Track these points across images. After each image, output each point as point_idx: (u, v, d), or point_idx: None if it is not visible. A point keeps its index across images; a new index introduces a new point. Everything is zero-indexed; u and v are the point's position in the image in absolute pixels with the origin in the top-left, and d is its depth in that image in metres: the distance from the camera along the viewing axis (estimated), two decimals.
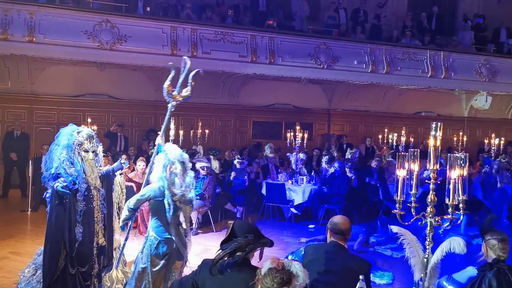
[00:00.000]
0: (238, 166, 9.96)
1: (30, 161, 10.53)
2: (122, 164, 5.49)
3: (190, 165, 4.54)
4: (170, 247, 4.21)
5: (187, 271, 3.60)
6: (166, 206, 4.26)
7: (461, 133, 14.02)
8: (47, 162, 5.11)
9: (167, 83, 5.03)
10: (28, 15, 9.84)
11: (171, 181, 4.28)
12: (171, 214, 4.22)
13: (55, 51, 10.23)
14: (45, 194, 5.07)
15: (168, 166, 4.34)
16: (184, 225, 4.35)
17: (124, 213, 4.57)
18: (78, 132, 5.07)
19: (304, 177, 10.09)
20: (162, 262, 4.19)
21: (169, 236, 4.21)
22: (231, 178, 9.78)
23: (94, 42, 10.31)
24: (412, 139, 12.82)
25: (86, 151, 4.99)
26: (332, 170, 10.19)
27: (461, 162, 2.74)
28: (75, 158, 4.91)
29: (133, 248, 5.86)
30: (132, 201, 4.51)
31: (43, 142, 10.90)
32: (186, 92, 5.14)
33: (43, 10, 9.97)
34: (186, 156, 4.53)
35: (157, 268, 4.20)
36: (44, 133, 11.91)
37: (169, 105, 5.24)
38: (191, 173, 4.49)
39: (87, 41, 10.25)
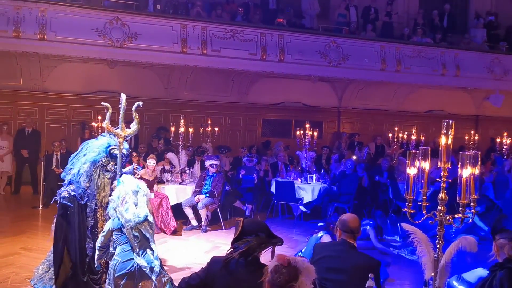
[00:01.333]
0: (247, 164, 9.96)
1: (42, 158, 10.65)
2: (135, 170, 5.52)
3: (144, 191, 4.48)
4: (129, 267, 4.22)
5: (194, 269, 3.61)
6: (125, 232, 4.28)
7: (472, 132, 13.88)
8: (72, 164, 5.14)
9: (106, 122, 4.87)
10: (40, 13, 9.92)
11: (124, 209, 4.29)
12: (131, 238, 4.24)
13: (66, 49, 10.31)
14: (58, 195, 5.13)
15: (122, 196, 4.33)
16: (152, 246, 4.34)
17: (97, 253, 4.56)
18: (110, 150, 5.03)
19: (314, 175, 10.06)
20: (123, 282, 4.21)
21: (129, 258, 4.23)
22: (240, 176, 9.78)
23: (105, 40, 10.37)
24: (422, 138, 12.71)
25: (108, 171, 5.05)
26: (342, 168, 10.16)
27: (473, 160, 2.71)
28: (95, 175, 4.96)
29: None
30: (98, 241, 4.52)
31: (54, 139, 11.04)
32: (133, 127, 4.98)
33: (54, 8, 10.04)
34: (142, 185, 4.45)
35: None
36: (55, 130, 12.05)
37: (114, 142, 5.02)
38: (142, 196, 4.43)
39: (97, 39, 10.31)
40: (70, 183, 5.02)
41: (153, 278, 4.23)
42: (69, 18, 10.14)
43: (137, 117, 5.01)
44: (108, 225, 4.40)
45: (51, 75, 11.93)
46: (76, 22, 10.15)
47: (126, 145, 5.17)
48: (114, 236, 4.35)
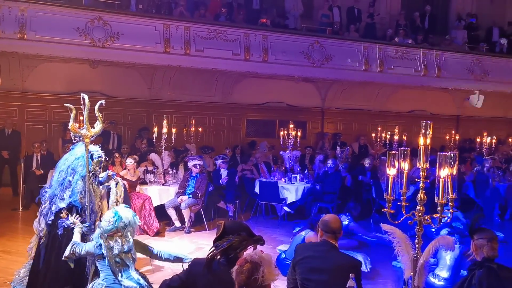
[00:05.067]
0: (222, 166, 9.84)
1: (22, 159, 10.48)
2: (109, 175, 5.45)
3: (134, 225, 4.34)
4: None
5: (177, 271, 3.58)
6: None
7: (453, 132, 14.07)
8: (57, 181, 5.05)
9: (70, 123, 4.76)
10: (19, 12, 9.75)
11: (112, 240, 4.22)
12: (112, 263, 4.19)
13: (47, 48, 10.16)
14: (43, 209, 5.05)
15: (112, 230, 4.24)
16: (131, 271, 4.26)
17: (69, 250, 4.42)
18: (91, 156, 5.01)
19: (297, 175, 10.09)
20: None
21: (115, 281, 4.19)
22: (221, 182, 9.64)
23: (86, 40, 10.24)
24: (405, 138, 12.86)
25: (99, 181, 5.13)
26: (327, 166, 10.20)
27: (451, 160, 2.75)
28: (91, 188, 4.93)
29: None
30: (67, 252, 4.38)
31: (34, 140, 10.86)
32: (97, 127, 4.90)
33: (34, 7, 9.88)
34: (133, 219, 4.31)
35: None
36: (36, 131, 11.86)
37: (82, 145, 4.94)
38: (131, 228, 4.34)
39: (79, 38, 10.18)
40: (71, 205, 4.95)
41: None
42: (49, 17, 9.99)
43: (101, 116, 4.93)
44: (88, 247, 4.26)
45: (31, 75, 11.75)
46: (57, 21, 10.00)
47: (96, 150, 5.11)
48: (97, 263, 4.27)
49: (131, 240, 4.22)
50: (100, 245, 4.15)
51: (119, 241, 4.14)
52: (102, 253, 4.15)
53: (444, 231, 5.63)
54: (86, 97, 4.82)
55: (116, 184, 5.40)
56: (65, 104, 4.85)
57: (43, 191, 5.20)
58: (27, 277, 5.20)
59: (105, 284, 4.17)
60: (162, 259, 4.61)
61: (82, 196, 4.91)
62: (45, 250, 4.94)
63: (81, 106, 4.83)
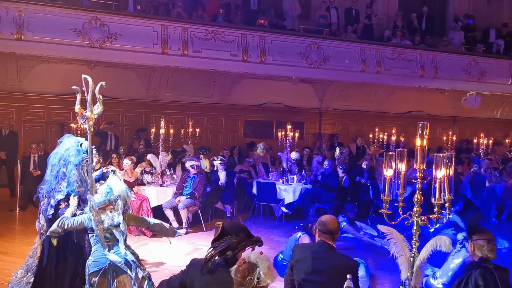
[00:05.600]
0: (220, 167, 9.83)
1: (19, 160, 10.46)
2: (104, 173, 5.45)
3: (126, 197, 4.42)
4: (102, 265, 4.21)
5: (175, 272, 3.59)
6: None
7: (450, 133, 14.11)
8: (50, 176, 5.05)
9: (77, 107, 4.86)
10: (17, 13, 9.74)
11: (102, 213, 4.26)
12: (101, 238, 4.22)
13: (44, 49, 10.14)
14: (42, 206, 5.05)
15: (104, 201, 4.28)
16: (121, 245, 4.28)
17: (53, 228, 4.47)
18: (80, 145, 5.07)
19: (295, 176, 10.10)
20: (96, 279, 4.19)
21: (102, 256, 4.22)
22: (220, 184, 9.64)
23: (84, 40, 10.23)
24: (402, 139, 12.88)
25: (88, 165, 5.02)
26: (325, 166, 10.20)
27: (447, 161, 2.76)
28: (84, 175, 4.93)
29: None
30: (56, 225, 4.42)
31: (31, 140, 10.85)
32: (97, 108, 4.97)
33: (32, 8, 9.86)
34: (124, 192, 4.39)
35: (93, 286, 4.19)
36: (33, 131, 11.85)
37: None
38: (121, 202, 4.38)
39: (76, 39, 10.17)
40: (68, 195, 4.96)
41: (129, 272, 4.21)
42: (47, 18, 9.97)
43: (101, 98, 5.00)
44: (82, 219, 4.31)
45: (29, 76, 11.73)
46: (54, 22, 9.99)
47: (84, 140, 5.14)
48: (89, 237, 4.33)
49: (121, 215, 4.24)
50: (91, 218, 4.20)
51: (110, 214, 4.17)
52: (93, 227, 4.19)
53: (449, 231, 5.62)
54: (89, 79, 4.89)
55: (114, 172, 5.37)
56: (73, 87, 4.95)
57: (39, 188, 5.21)
58: (24, 278, 5.19)
59: (93, 259, 4.23)
60: (158, 230, 4.74)
61: (78, 185, 4.92)
62: (48, 245, 4.94)
63: (83, 88, 4.87)
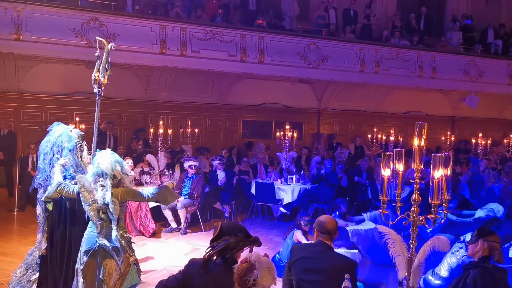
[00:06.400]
0: (219, 167, 9.83)
1: (17, 160, 10.44)
2: None
3: (125, 169, 4.37)
4: (92, 245, 4.23)
5: (173, 272, 3.59)
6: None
7: (449, 133, 14.13)
8: (43, 164, 5.05)
9: (96, 73, 4.93)
10: (15, 13, 9.73)
11: (94, 188, 4.23)
12: (94, 218, 4.22)
13: (43, 49, 10.14)
14: (39, 195, 5.05)
15: (96, 176, 4.26)
16: (113, 226, 4.25)
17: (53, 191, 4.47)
18: (71, 131, 5.04)
19: (294, 176, 10.10)
20: (86, 258, 4.23)
21: (92, 234, 4.24)
22: (219, 184, 9.64)
23: (82, 40, 10.23)
24: (401, 139, 12.89)
25: (82, 150, 4.98)
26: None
27: (445, 161, 2.77)
28: (79, 160, 4.90)
29: None
30: (51, 191, 4.45)
31: (30, 141, 10.82)
32: (108, 74, 5.07)
33: (30, 8, 9.86)
34: (119, 167, 4.30)
35: (82, 265, 4.23)
36: (32, 132, 11.81)
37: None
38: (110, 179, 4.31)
39: (75, 39, 10.17)
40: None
41: (116, 258, 4.21)
42: (45, 18, 9.97)
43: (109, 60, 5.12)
44: (75, 188, 4.31)
45: (27, 76, 11.71)
46: (53, 22, 9.99)
47: (73, 127, 5.15)
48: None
49: (109, 191, 4.20)
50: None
51: (101, 193, 4.17)
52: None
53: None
54: (104, 41, 4.99)
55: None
56: (97, 38, 5.13)
57: (34, 179, 5.21)
58: (24, 276, 5.19)
59: (86, 236, 4.28)
60: (159, 199, 4.68)
61: (74, 170, 4.89)
62: (51, 235, 4.94)
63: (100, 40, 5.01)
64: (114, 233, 4.22)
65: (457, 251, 5.21)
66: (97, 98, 5.09)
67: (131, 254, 4.41)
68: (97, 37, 5.09)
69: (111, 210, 4.19)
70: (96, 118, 5.07)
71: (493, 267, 3.53)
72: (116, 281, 4.26)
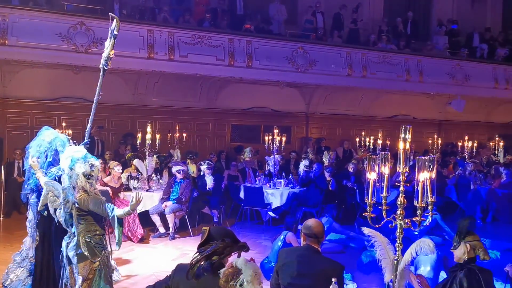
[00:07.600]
0: (207, 171, 9.80)
1: (3, 166, 10.31)
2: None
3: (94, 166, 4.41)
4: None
5: (161, 277, 3.56)
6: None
7: (435, 136, 14.27)
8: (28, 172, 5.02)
9: (112, 52, 5.03)
10: (1, 18, 9.64)
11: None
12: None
13: (29, 54, 10.05)
14: (30, 201, 5.01)
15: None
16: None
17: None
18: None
19: (282, 180, 10.11)
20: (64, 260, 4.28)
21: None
22: (207, 189, 9.60)
23: (69, 45, 10.15)
24: (388, 142, 12.97)
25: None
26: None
27: (430, 164, 2.79)
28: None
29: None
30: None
31: (16, 146, 10.70)
32: (112, 47, 5.11)
33: (16, 13, 9.78)
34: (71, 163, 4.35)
35: (67, 266, 4.29)
36: (18, 137, 11.64)
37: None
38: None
39: (61, 44, 10.09)
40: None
41: (67, 267, 4.29)
42: (31, 23, 9.88)
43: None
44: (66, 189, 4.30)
45: (13, 81, 11.57)
46: (39, 27, 9.90)
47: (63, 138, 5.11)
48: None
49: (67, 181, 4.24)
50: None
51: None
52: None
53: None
54: (115, 17, 4.99)
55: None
56: (110, 14, 5.10)
57: (25, 184, 5.16)
58: (20, 275, 5.14)
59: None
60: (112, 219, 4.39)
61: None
62: (42, 240, 4.93)
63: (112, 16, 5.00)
64: (73, 242, 4.24)
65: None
66: (101, 75, 5.18)
67: (94, 261, 4.34)
68: (110, 14, 5.13)
69: (72, 212, 4.24)
70: (97, 93, 5.16)
71: (479, 268, 3.56)
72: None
